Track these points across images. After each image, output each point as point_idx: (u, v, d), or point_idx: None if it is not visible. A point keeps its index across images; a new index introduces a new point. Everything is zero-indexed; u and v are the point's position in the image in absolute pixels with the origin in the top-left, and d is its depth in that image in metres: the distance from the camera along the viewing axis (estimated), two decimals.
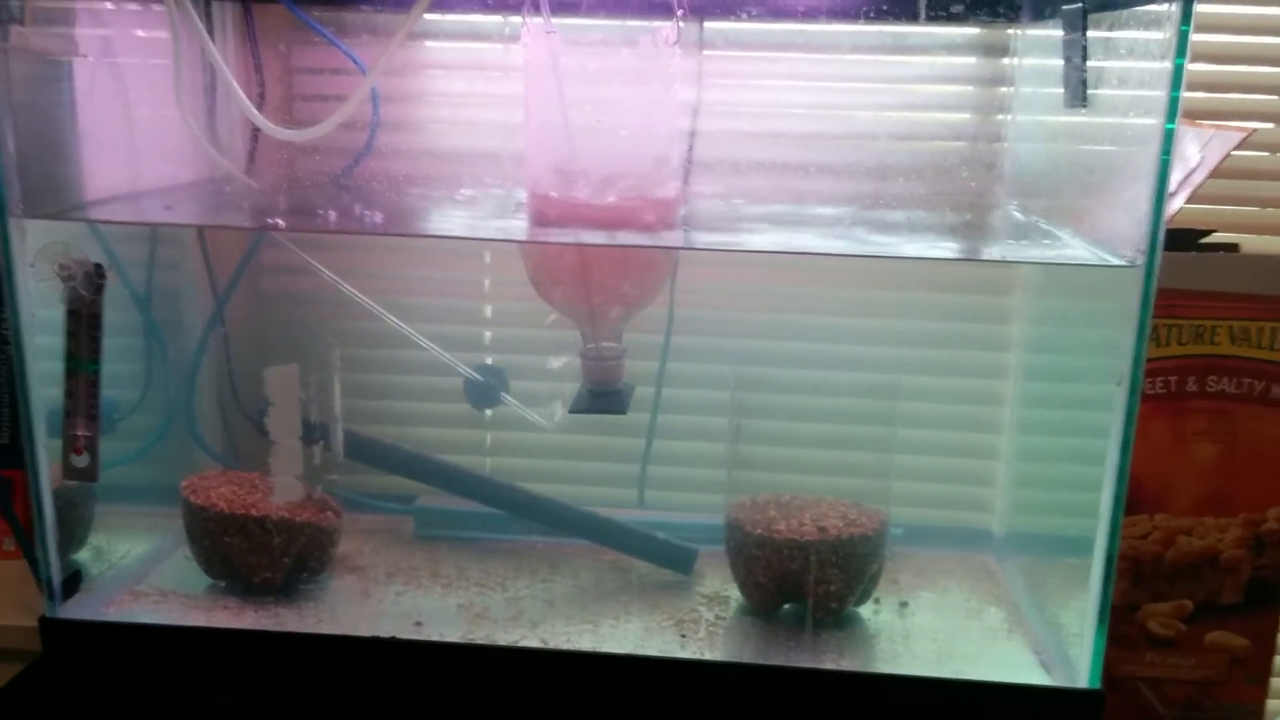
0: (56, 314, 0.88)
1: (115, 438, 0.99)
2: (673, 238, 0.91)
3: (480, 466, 1.15)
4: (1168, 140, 0.74)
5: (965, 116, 1.06)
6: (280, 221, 0.96)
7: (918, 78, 1.05)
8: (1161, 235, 0.76)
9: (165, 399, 1.07)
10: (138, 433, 1.05)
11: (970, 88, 1.06)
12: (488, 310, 1.14)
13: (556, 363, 1.02)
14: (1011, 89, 1.04)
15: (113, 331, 0.90)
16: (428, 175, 1.09)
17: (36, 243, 0.85)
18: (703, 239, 0.95)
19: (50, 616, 0.91)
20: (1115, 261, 0.79)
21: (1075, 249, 0.86)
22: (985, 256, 0.98)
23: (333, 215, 0.98)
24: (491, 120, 1.07)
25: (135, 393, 1.04)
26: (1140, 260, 0.77)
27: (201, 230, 1.09)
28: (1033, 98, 1.01)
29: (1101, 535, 0.82)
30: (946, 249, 0.93)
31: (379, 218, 0.98)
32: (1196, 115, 1.04)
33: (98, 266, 0.87)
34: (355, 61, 1.02)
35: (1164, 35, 0.73)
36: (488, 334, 1.15)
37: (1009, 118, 1.04)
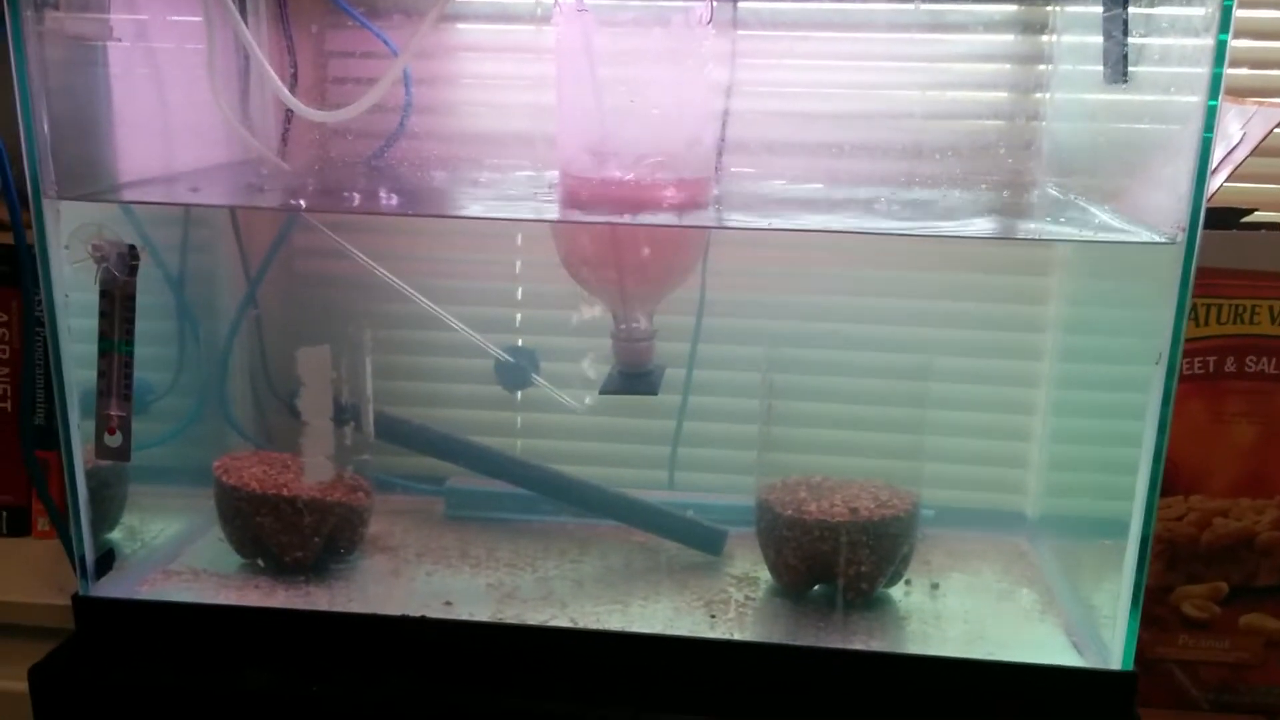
0: (90, 297, 0.88)
1: (149, 419, 0.99)
2: (705, 218, 0.91)
3: (510, 448, 1.15)
4: (1210, 117, 0.73)
5: (1003, 95, 1.05)
6: (303, 203, 0.96)
7: (955, 56, 1.04)
8: (1202, 212, 0.75)
9: (198, 380, 1.08)
10: (171, 414, 1.05)
11: (1008, 66, 1.04)
12: (519, 292, 1.14)
13: (587, 365, 1.02)
14: (1050, 67, 1.03)
15: (146, 314, 0.90)
16: (460, 157, 1.09)
17: (70, 224, 0.86)
18: (735, 219, 0.94)
19: (83, 595, 0.92)
20: (1155, 239, 0.78)
21: (1114, 227, 0.85)
22: (1022, 234, 0.96)
23: (360, 198, 0.98)
24: (524, 102, 1.07)
25: (169, 374, 1.05)
26: (1181, 237, 0.75)
27: (234, 212, 1.09)
28: (1071, 75, 0.99)
29: (1137, 516, 0.81)
30: (983, 228, 0.92)
31: (410, 200, 0.98)
32: (1239, 92, 1.02)
33: (131, 248, 0.87)
34: (386, 43, 1.02)
35: (1206, 10, 0.72)
36: (518, 315, 1.14)
37: (1047, 96, 1.03)
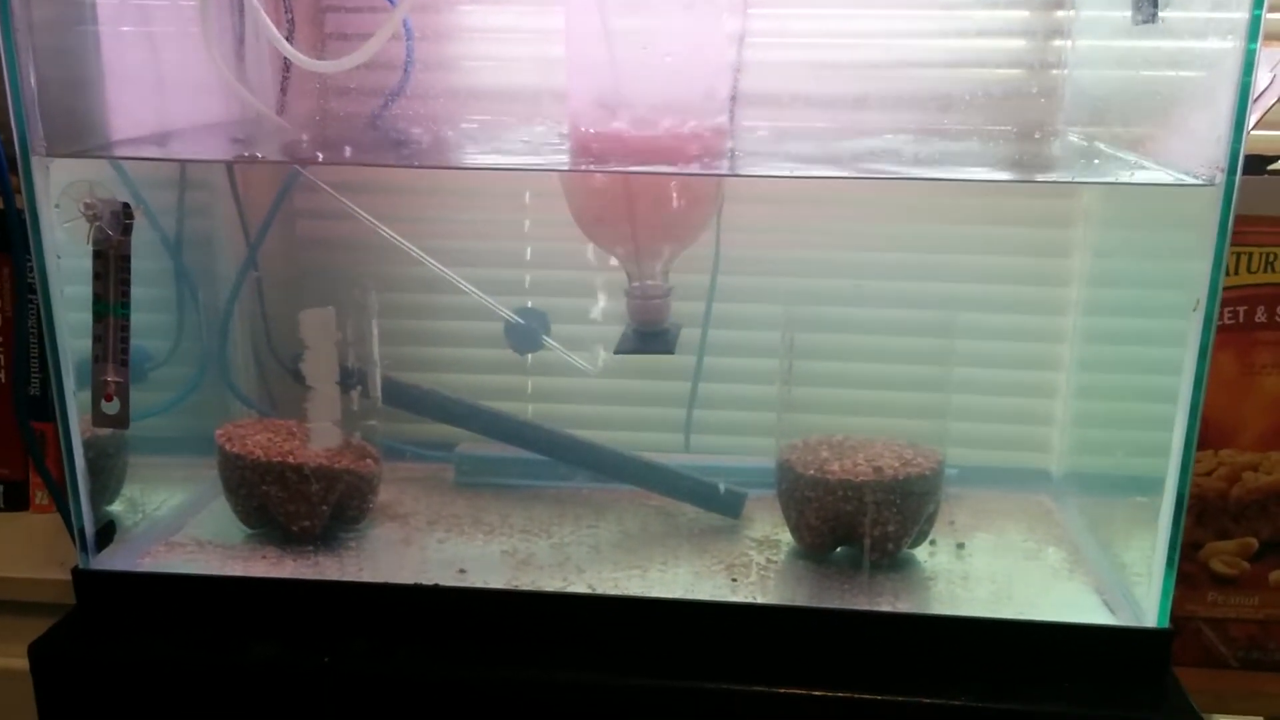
0: (84, 262, 0.85)
1: (149, 388, 0.96)
2: (719, 169, 0.88)
3: (521, 412, 1.12)
4: (1249, 60, 0.70)
5: (1022, 43, 1.02)
6: (311, 156, 0.93)
7: (973, 2, 1.01)
8: (1242, 154, 0.72)
9: (199, 347, 1.05)
10: (171, 382, 1.02)
11: (1027, 12, 1.01)
12: (528, 252, 1.11)
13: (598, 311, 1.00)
14: (1072, 12, 1.00)
15: (144, 280, 0.87)
16: (465, 113, 1.06)
17: (61, 184, 0.83)
18: (751, 168, 0.91)
19: (83, 568, 0.89)
20: (1192, 181, 0.75)
21: (1146, 172, 0.82)
22: (1056, 178, 0.94)
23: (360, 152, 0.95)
24: (531, 56, 1.04)
25: (168, 341, 1.02)
26: (1219, 178, 0.73)
27: (232, 173, 1.06)
28: (1095, 20, 0.96)
29: (1172, 471, 0.78)
30: (1010, 177, 0.90)
31: (413, 155, 0.96)
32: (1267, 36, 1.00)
33: (125, 206, 0.84)
34: None
35: None
36: (528, 276, 1.12)
37: (1069, 43, 1.00)
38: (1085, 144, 0.95)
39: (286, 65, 1.03)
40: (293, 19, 1.03)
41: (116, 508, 0.95)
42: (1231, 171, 0.73)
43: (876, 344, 1.03)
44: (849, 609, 0.85)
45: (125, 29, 0.91)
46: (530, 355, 1.09)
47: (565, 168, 0.91)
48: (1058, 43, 1.01)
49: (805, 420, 0.96)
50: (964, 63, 1.01)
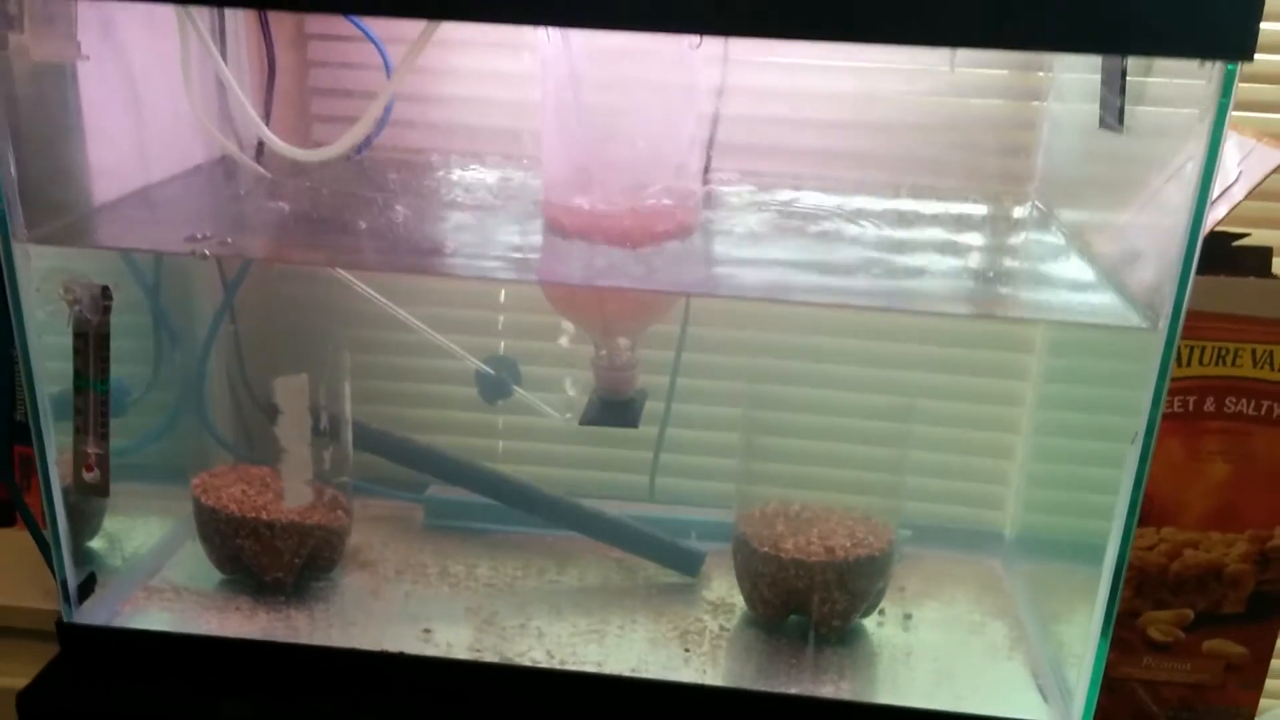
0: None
1: (126, 418, 0.97)
2: (689, 267, 0.90)
3: (492, 450, 1.16)
4: (1198, 215, 0.72)
5: (999, 102, 1.03)
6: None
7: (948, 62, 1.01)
8: (1185, 305, 0.74)
9: (176, 383, 1.07)
10: (151, 409, 1.04)
11: (1005, 71, 1.03)
12: (501, 295, 1.13)
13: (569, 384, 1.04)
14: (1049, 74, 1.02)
15: (120, 317, 0.89)
16: (445, 154, 1.07)
17: (42, 262, 0.84)
18: (716, 271, 0.92)
19: (67, 621, 0.92)
20: (1136, 323, 0.78)
21: (1091, 299, 0.85)
22: (1001, 315, 0.95)
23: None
24: (509, 99, 1.04)
25: (146, 368, 1.04)
26: (1162, 325, 0.75)
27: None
28: (1070, 84, 0.99)
29: (1101, 596, 0.83)
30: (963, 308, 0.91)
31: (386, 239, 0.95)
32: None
33: (104, 289, 0.85)
34: (384, 57, 0.98)
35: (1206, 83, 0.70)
36: (501, 318, 1.13)
37: (1043, 104, 1.02)
38: (1063, 242, 0.96)
39: (268, 104, 1.04)
40: (273, 58, 1.04)
41: (97, 544, 0.98)
42: (1174, 321, 0.75)
43: (836, 423, 1.07)
44: (789, 694, 0.89)
45: (105, 91, 0.90)
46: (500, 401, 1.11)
47: (533, 279, 0.93)
48: (1035, 104, 1.03)
49: (763, 491, 0.99)
50: (939, 125, 1.02)
